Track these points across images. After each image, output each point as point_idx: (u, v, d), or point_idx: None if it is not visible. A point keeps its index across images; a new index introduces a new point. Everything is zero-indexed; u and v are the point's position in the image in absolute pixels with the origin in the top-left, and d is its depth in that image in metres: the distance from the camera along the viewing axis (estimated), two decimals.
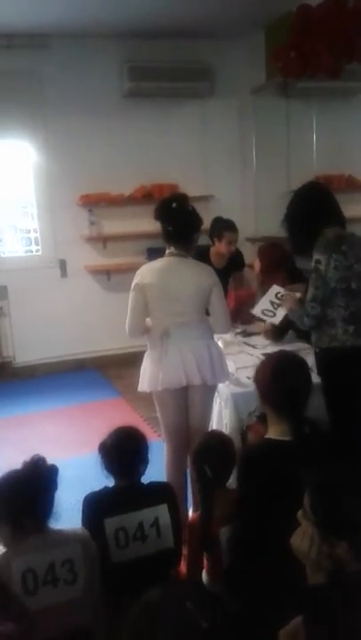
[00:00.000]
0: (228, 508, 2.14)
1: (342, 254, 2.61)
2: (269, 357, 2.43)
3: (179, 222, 2.83)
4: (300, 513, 1.55)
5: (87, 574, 1.90)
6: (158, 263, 2.86)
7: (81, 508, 2.18)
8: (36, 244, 5.90)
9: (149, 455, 2.26)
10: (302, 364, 2.27)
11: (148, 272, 2.83)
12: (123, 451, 2.20)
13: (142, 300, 2.81)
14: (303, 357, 2.41)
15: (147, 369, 2.91)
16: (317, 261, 2.63)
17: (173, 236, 2.85)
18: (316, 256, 2.64)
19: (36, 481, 1.92)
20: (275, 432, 2.15)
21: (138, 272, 2.87)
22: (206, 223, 6.53)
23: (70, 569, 1.87)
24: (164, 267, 2.83)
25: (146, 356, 2.95)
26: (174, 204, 2.84)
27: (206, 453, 2.26)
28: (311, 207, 2.74)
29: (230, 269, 4.49)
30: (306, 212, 2.74)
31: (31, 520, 1.91)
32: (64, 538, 1.94)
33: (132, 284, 2.85)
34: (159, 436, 3.10)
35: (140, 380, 2.96)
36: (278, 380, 2.15)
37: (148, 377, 2.90)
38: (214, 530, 2.14)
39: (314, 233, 2.69)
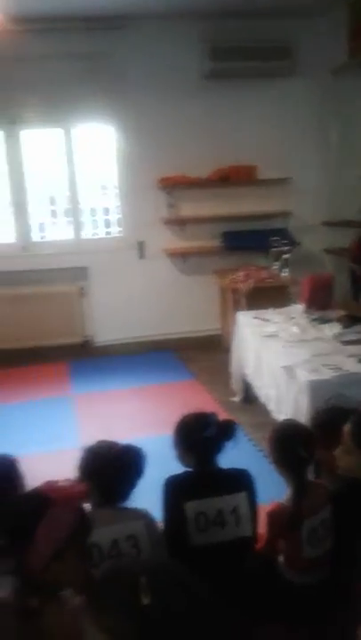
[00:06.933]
0: (316, 500, 2.15)
1: None
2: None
3: None
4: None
5: (151, 551, 1.96)
6: None
7: (161, 488, 2.23)
8: (119, 225, 6.04)
9: (233, 439, 2.27)
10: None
11: None
12: (195, 441, 2.24)
13: None
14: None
15: None
16: None
17: None
18: None
19: (126, 461, 2.05)
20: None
21: None
22: (283, 206, 6.38)
23: (135, 544, 1.95)
24: None
25: None
26: None
27: (292, 436, 2.27)
28: None
29: None
30: None
31: (109, 495, 2.02)
32: (127, 515, 2.03)
33: None
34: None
35: None
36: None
37: None
38: (301, 517, 2.13)
39: None
